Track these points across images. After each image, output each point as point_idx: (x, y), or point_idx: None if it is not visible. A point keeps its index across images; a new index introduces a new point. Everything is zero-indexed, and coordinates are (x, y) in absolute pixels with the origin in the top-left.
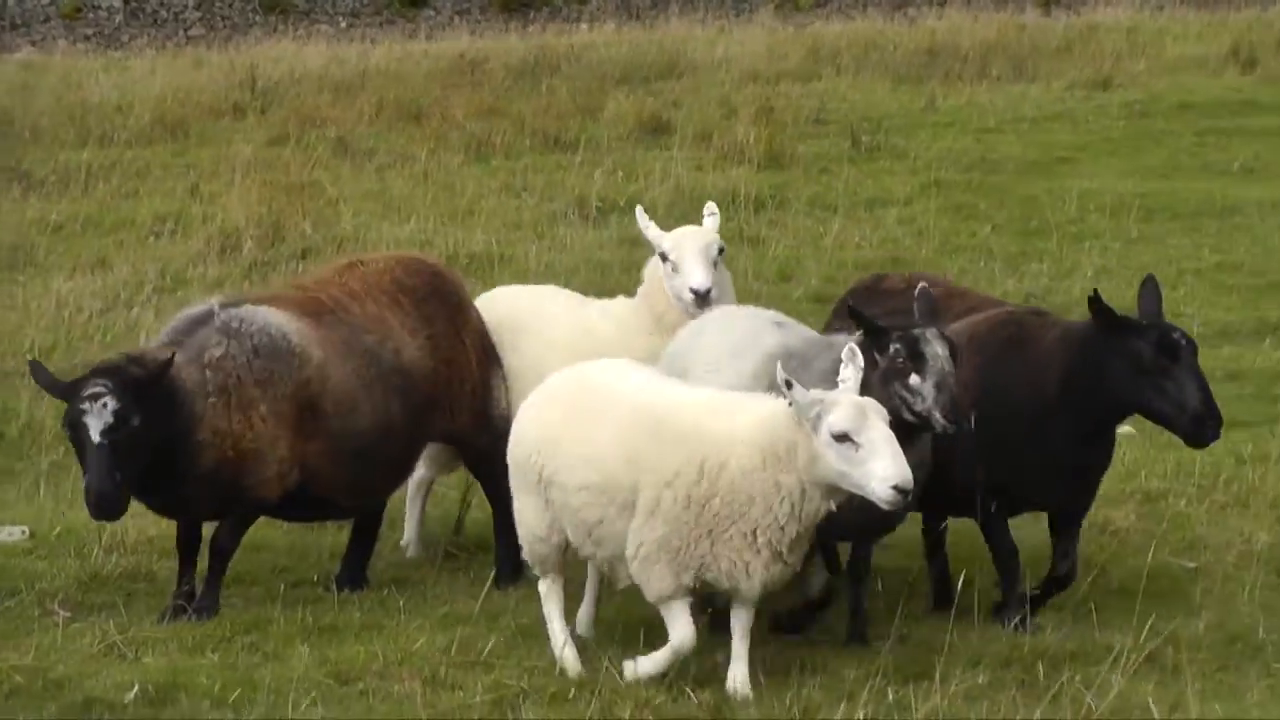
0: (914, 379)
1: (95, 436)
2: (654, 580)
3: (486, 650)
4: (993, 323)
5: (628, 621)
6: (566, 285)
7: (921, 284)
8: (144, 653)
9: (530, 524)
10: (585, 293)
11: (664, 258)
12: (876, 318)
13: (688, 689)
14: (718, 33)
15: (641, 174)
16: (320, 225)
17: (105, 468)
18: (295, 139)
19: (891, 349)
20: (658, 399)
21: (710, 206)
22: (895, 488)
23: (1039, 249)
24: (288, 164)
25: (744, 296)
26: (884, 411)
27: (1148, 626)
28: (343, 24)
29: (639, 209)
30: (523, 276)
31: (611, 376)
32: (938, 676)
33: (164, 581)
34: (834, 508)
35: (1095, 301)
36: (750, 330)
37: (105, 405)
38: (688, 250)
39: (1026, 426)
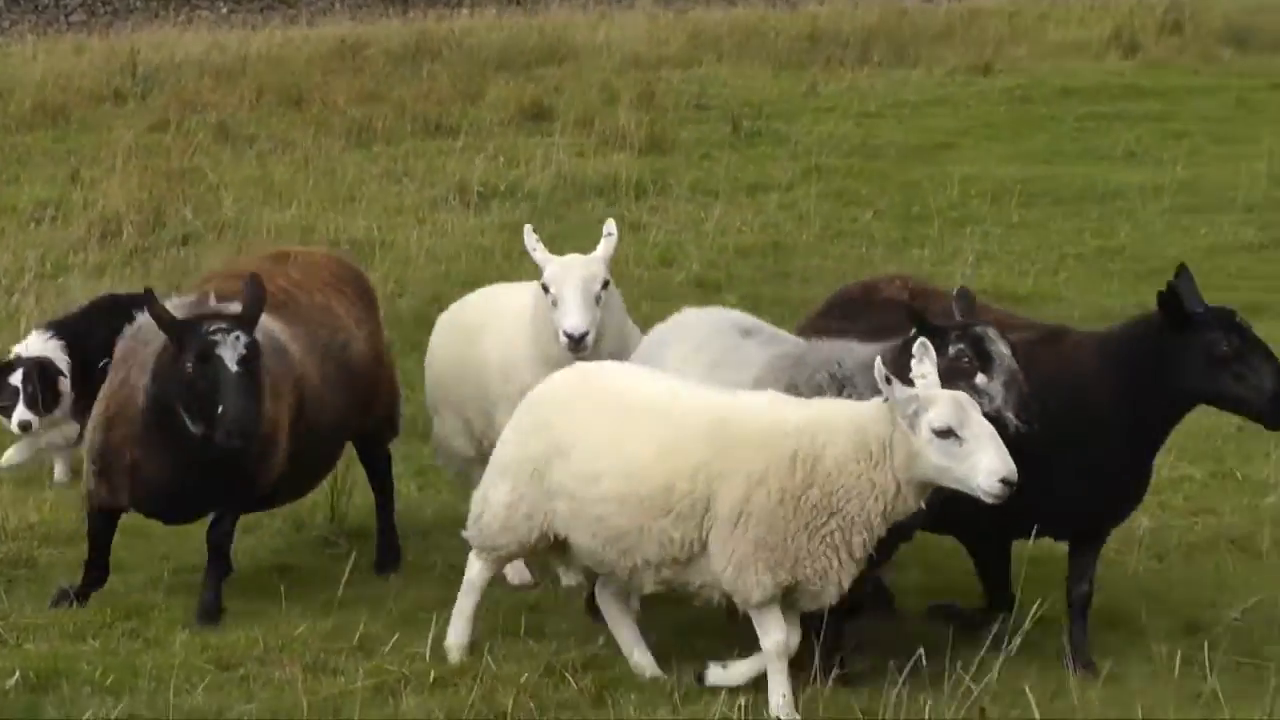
0: (980, 378)
1: (233, 365)
2: (752, 586)
3: (367, 636)
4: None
5: (512, 605)
6: (447, 272)
7: (960, 286)
8: (25, 639)
9: (513, 524)
10: (465, 280)
11: (545, 289)
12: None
13: (568, 675)
14: (599, 18)
15: (523, 160)
16: (201, 211)
17: (246, 391)
18: (176, 125)
19: (953, 349)
20: (710, 403)
21: (609, 226)
22: (1003, 481)
23: (920, 234)
24: (168, 150)
25: (625, 282)
26: (978, 405)
27: (1032, 613)
28: (224, 9)
29: (527, 228)
30: (404, 263)
31: (633, 380)
32: (817, 662)
33: (45, 568)
34: (923, 506)
35: (1170, 296)
36: (729, 340)
37: (238, 338)
38: (567, 286)
39: (1079, 449)
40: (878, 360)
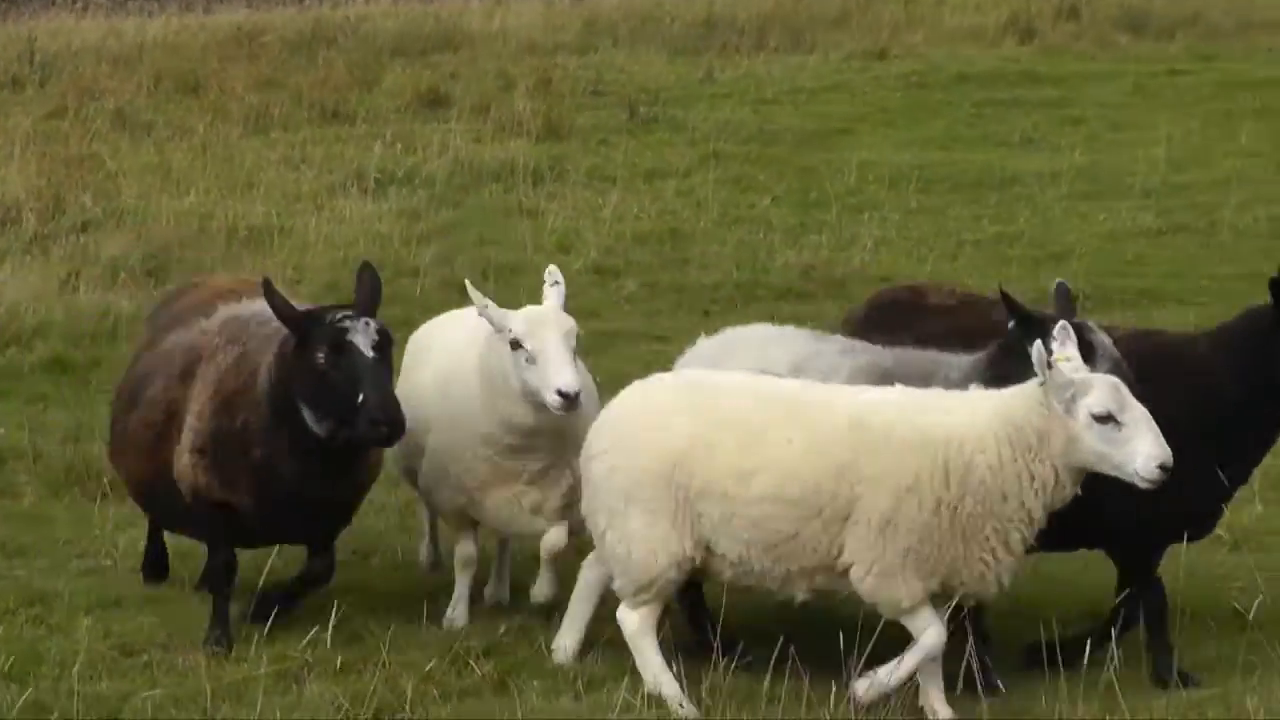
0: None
1: (369, 351)
2: (897, 593)
3: (270, 623)
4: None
5: (413, 592)
6: (345, 258)
7: (1059, 281)
8: None
9: (660, 549)
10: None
11: (516, 345)
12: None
13: (471, 661)
14: (494, 4)
15: (420, 146)
16: (100, 198)
17: (385, 379)
18: (74, 112)
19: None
20: (850, 402)
21: (554, 273)
22: (1161, 466)
23: (818, 220)
24: (67, 137)
25: (523, 268)
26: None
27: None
28: None
29: (468, 283)
30: (302, 249)
31: (746, 380)
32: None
33: None
34: (1079, 492)
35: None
36: (806, 345)
37: (367, 324)
38: (550, 341)
39: (1209, 447)
40: (1038, 344)
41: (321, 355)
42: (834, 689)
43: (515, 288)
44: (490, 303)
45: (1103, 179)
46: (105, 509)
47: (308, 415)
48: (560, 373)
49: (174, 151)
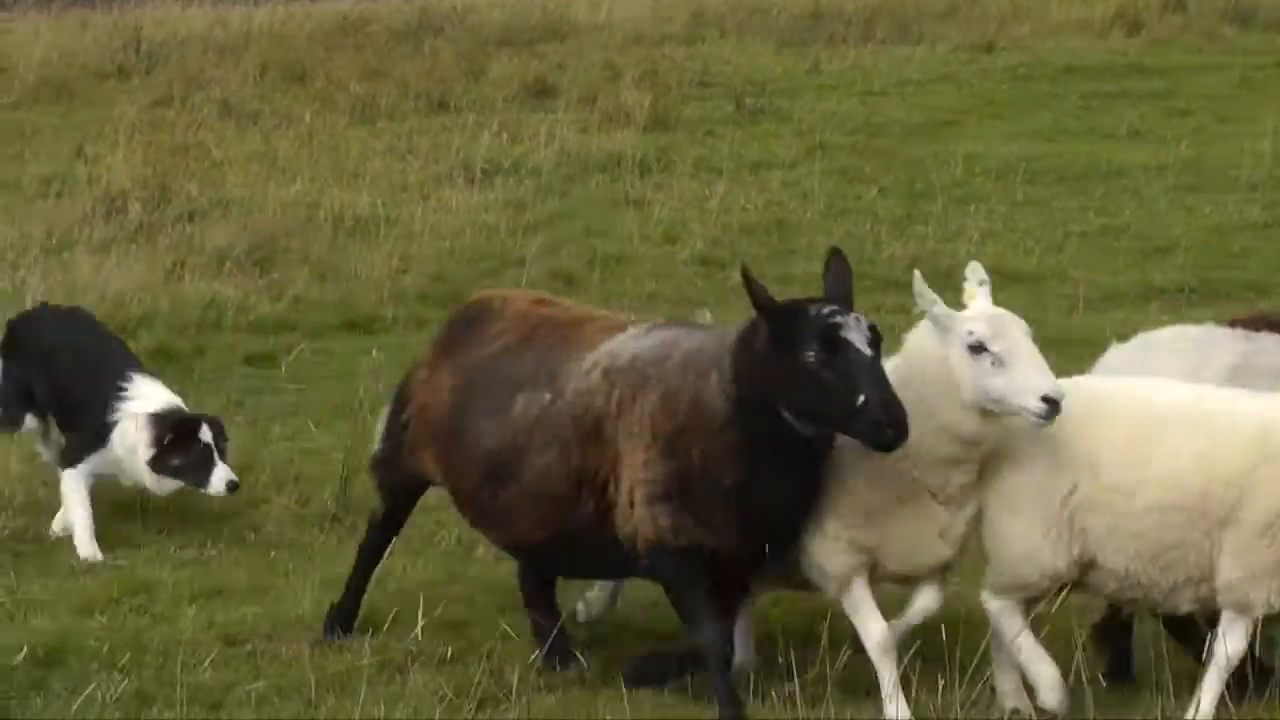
0: None
1: (866, 349)
2: (1260, 601)
3: (376, 612)
4: None
5: (509, 583)
6: (452, 248)
7: None
8: (32, 614)
9: (1034, 557)
10: (470, 257)
11: (979, 348)
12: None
13: (577, 653)
14: None
15: (526, 136)
16: (206, 187)
17: (884, 377)
18: (180, 101)
19: None
20: (1252, 409)
21: (978, 271)
22: None
23: (924, 212)
24: (172, 125)
25: (629, 259)
26: None
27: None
28: None
29: (916, 274)
30: (408, 239)
31: (1147, 389)
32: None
33: (52, 544)
34: None
35: None
36: (1237, 344)
37: (858, 319)
38: (1023, 344)
39: None
40: None
41: (812, 354)
42: (941, 684)
43: (621, 278)
44: (939, 300)
45: (1208, 172)
46: (209, 502)
47: (791, 416)
48: (1045, 376)
49: (280, 141)
